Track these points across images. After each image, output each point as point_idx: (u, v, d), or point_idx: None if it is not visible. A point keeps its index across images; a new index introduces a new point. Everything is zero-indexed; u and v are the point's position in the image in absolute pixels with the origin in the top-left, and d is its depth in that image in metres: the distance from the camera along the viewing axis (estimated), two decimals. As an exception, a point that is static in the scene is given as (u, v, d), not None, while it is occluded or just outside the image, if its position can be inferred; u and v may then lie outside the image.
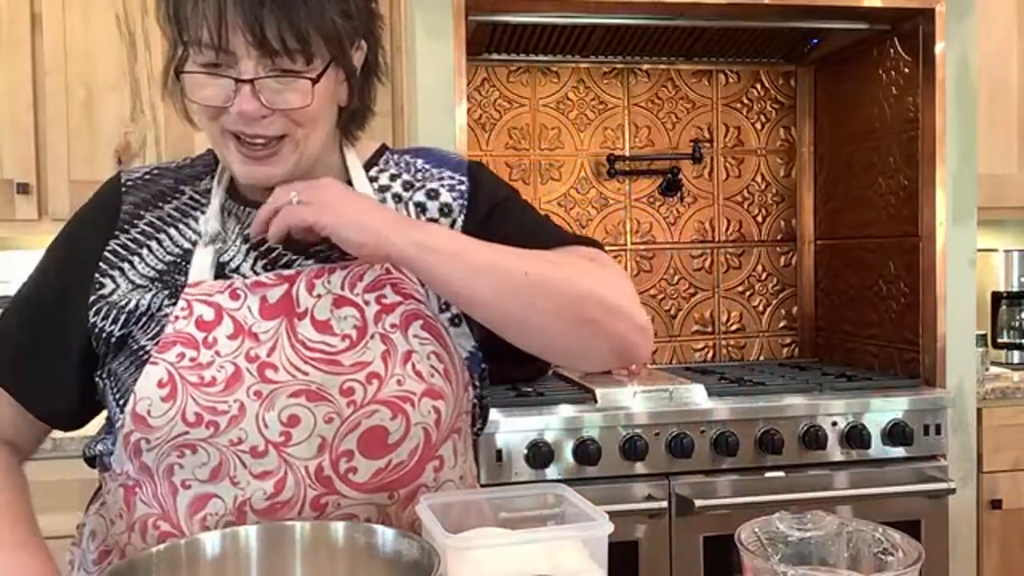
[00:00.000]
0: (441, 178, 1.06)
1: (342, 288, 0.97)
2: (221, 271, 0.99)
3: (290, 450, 0.92)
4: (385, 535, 0.84)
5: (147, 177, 1.06)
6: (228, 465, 0.92)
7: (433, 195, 1.05)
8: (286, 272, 0.97)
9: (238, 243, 1.01)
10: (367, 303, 0.96)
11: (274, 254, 1.00)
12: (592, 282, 0.93)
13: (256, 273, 0.99)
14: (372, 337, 0.95)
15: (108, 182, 1.07)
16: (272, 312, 0.95)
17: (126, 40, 2.27)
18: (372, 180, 1.06)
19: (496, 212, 1.04)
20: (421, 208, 1.04)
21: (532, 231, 1.02)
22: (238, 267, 1.00)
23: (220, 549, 0.84)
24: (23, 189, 2.23)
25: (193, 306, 0.95)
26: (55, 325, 1.01)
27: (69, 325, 1.00)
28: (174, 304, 0.96)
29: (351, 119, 1.03)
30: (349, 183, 1.03)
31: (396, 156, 1.10)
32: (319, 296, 0.96)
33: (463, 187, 1.06)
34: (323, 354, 0.94)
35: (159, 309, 0.96)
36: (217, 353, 0.93)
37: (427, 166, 1.08)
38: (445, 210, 1.04)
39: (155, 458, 0.94)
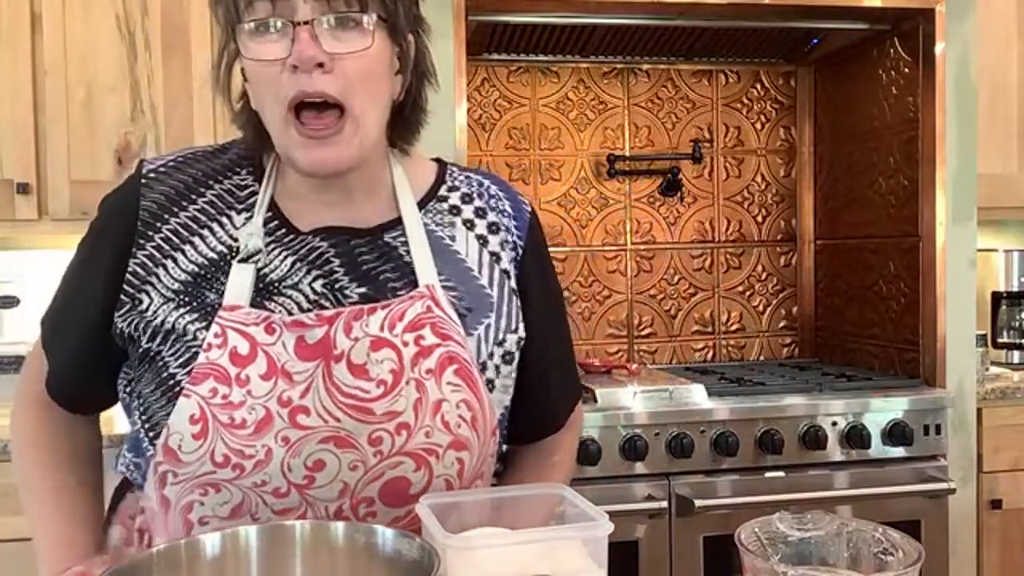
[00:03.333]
0: (504, 211, 1.08)
1: (381, 329, 0.94)
2: (268, 289, 0.97)
3: (312, 492, 0.92)
4: (385, 535, 0.83)
5: (171, 165, 1.02)
6: (250, 503, 0.93)
7: (495, 229, 1.07)
8: (326, 313, 0.94)
9: (288, 261, 0.98)
10: (406, 344, 0.94)
11: (333, 276, 0.98)
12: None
13: (315, 291, 0.97)
14: (407, 383, 0.93)
15: (129, 178, 1.03)
16: (309, 353, 0.93)
17: (126, 40, 2.27)
18: (442, 199, 1.06)
19: (539, 308, 1.08)
20: (483, 241, 1.05)
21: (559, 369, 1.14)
22: (296, 284, 0.97)
23: (220, 549, 0.83)
24: (23, 189, 2.22)
25: (228, 334, 0.92)
26: (93, 342, 1.01)
27: (100, 340, 1.00)
28: (205, 327, 0.93)
29: (404, 123, 1.03)
30: (396, 207, 1.03)
31: (463, 175, 1.11)
32: (356, 339, 0.93)
33: (515, 254, 1.07)
34: (356, 400, 0.92)
35: (189, 332, 0.94)
36: (249, 393, 0.91)
37: (499, 192, 1.10)
38: (503, 246, 1.06)
39: (177, 493, 0.93)
